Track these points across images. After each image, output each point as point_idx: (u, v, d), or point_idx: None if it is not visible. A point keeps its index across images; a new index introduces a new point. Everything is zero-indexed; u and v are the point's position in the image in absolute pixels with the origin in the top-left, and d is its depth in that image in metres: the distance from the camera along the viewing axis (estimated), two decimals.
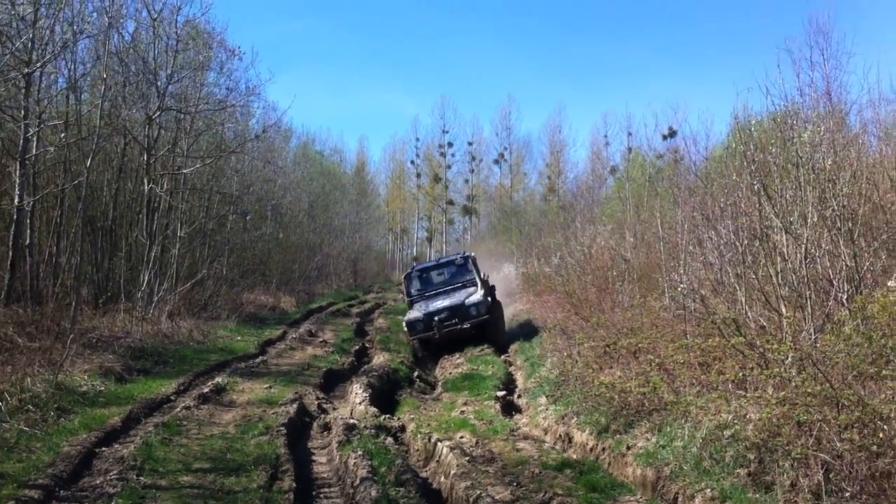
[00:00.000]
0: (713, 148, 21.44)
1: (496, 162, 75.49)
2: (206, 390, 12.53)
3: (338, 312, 30.31)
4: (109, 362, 13.63)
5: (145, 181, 21.27)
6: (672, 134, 47.97)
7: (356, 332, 24.60)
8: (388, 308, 32.36)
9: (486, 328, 20.01)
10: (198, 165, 23.66)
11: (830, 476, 6.59)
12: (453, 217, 76.30)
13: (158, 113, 21.54)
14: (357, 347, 20.52)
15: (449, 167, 76.25)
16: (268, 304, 28.71)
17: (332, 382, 15.53)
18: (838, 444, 6.62)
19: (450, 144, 75.70)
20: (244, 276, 30.05)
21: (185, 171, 23.21)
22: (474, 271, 21.35)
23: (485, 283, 21.15)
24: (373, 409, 12.19)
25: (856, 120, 14.78)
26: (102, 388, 12.06)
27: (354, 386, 14.18)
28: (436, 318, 19.65)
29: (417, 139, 77.49)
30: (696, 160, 17.99)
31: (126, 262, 20.74)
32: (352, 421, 10.71)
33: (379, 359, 18.05)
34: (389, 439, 9.86)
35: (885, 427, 6.33)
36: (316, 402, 12.82)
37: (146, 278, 19.81)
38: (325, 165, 57.94)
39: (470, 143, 75.77)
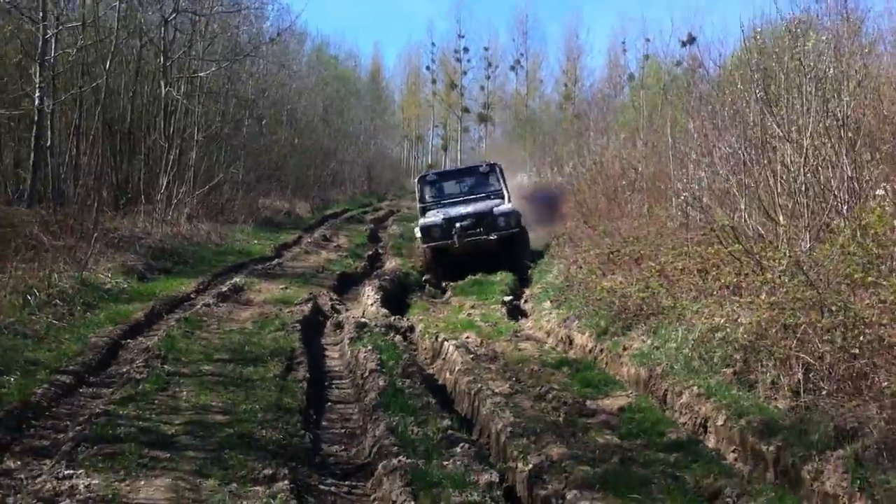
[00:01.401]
0: (728, 56, 21.37)
1: (512, 68, 74.70)
2: (224, 289, 13.03)
3: (352, 219, 30.77)
4: (131, 261, 14.14)
5: (162, 84, 21.44)
6: (691, 41, 47.18)
7: (370, 237, 25.06)
8: (402, 215, 32.74)
9: (514, 245, 17.44)
10: (213, 69, 23.76)
11: (810, 375, 6.98)
12: (468, 125, 75.88)
13: (174, 15, 21.58)
14: (370, 252, 20.96)
15: (465, 73, 75.54)
16: (283, 210, 29.14)
17: (346, 285, 16.02)
18: (820, 346, 6.99)
19: (465, 50, 74.79)
20: (260, 181, 30.39)
21: (200, 74, 23.32)
22: (501, 183, 18.87)
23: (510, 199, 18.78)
24: (384, 311, 12.68)
25: (872, 28, 14.70)
26: (125, 286, 12.57)
27: (367, 288, 14.67)
28: (457, 225, 17.04)
29: (433, 44, 76.55)
30: (710, 69, 17.95)
31: (144, 164, 21.07)
32: (363, 320, 11.19)
33: (391, 264, 18.53)
34: (398, 337, 10.34)
35: (868, 330, 6.66)
36: (329, 303, 13.32)
37: (165, 181, 20.21)
38: (340, 70, 57.59)
39: (486, 49, 74.82)
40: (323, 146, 42.76)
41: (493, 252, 17.06)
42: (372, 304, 13.18)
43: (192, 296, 12.96)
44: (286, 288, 14.01)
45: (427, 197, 19.19)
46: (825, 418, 6.20)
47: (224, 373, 8.01)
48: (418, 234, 17.97)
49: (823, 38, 10.10)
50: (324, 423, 7.30)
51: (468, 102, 75.39)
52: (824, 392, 6.67)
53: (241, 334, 10.08)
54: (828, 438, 5.91)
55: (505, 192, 18.55)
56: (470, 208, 17.70)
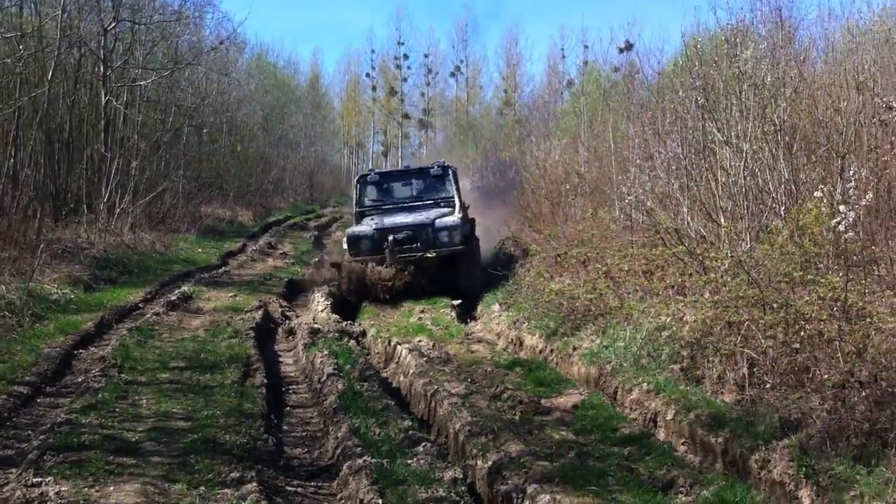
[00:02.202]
0: (667, 63, 21.88)
1: (452, 75, 74.99)
2: (173, 298, 12.99)
3: (295, 226, 30.72)
4: (77, 272, 14.00)
5: (102, 93, 21.20)
6: (629, 47, 47.95)
7: (315, 244, 25.11)
8: (345, 221, 32.61)
9: (459, 265, 14.62)
10: (153, 77, 23.58)
11: (754, 370, 7.29)
12: (409, 131, 76.08)
13: (114, 24, 21.36)
14: (316, 259, 20.95)
15: (405, 80, 75.64)
16: (226, 218, 28.98)
17: (294, 292, 16.05)
18: (763, 342, 7.31)
19: (405, 57, 74.90)
20: (202, 189, 30.14)
21: (140, 83, 23.12)
22: (454, 188, 15.94)
23: (464, 207, 16.09)
24: (335, 316, 12.77)
25: (805, 36, 15.23)
26: (73, 297, 12.47)
27: (316, 295, 14.72)
28: (390, 238, 14.12)
29: (373, 51, 76.46)
30: (649, 75, 18.36)
31: (85, 175, 20.79)
32: (316, 326, 11.28)
33: None
34: (352, 342, 10.45)
35: (807, 326, 6.97)
36: (280, 310, 13.37)
37: (108, 191, 19.97)
38: (280, 78, 57.29)
39: (426, 56, 75.05)
40: (264, 154, 42.54)
41: (432, 273, 14.36)
42: (322, 310, 13.25)
43: (141, 305, 12.89)
44: (235, 296, 14.01)
45: (366, 200, 16.27)
46: (770, 410, 6.49)
47: (182, 380, 8.05)
48: (345, 245, 15.05)
49: (762, 46, 10.45)
50: (285, 427, 7.41)
51: (409, 109, 75.55)
52: (768, 385, 6.97)
53: (194, 342, 10.10)
54: (773, 429, 6.19)
55: (457, 200, 15.63)
56: (409, 218, 14.85)
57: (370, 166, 75.00)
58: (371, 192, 16.44)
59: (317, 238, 26.80)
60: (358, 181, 16.70)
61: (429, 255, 14.14)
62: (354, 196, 16.50)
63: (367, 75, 77.07)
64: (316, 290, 15.24)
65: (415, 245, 14.21)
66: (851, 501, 5.06)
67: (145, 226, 21.06)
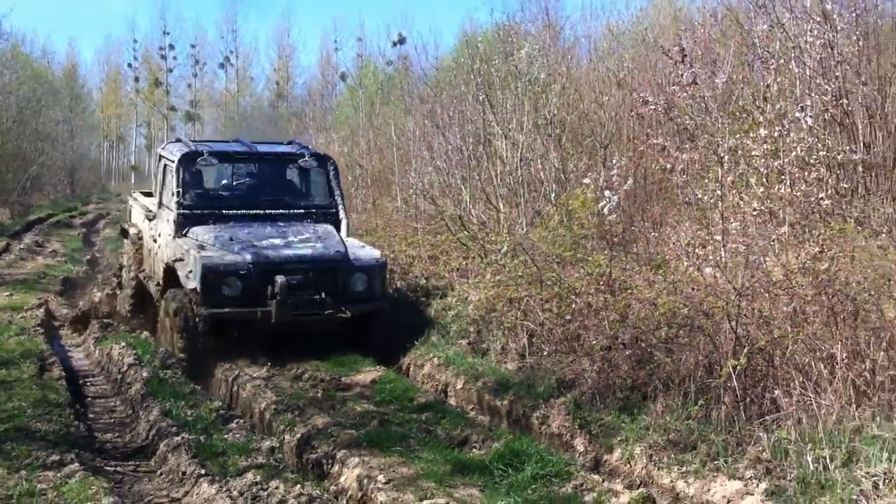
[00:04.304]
0: (442, 58, 22.83)
1: (221, 66, 73.09)
2: None
3: (60, 223, 29.28)
4: None
5: None
6: (402, 41, 49.19)
7: (84, 241, 24.09)
8: (113, 218, 31.48)
9: (376, 326, 9.14)
10: None
11: (533, 340, 8.07)
12: (175, 124, 73.23)
13: None
14: (88, 257, 20.09)
15: (170, 71, 72.73)
16: None
17: (72, 289, 15.44)
18: (541, 315, 8.09)
19: (171, 47, 71.92)
20: None
21: None
22: (337, 191, 10.19)
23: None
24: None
25: (570, 34, 16.52)
26: None
27: (95, 291, 14.24)
28: (279, 280, 8.42)
29: (135, 41, 72.70)
30: (425, 69, 19.09)
31: None
32: (106, 320, 11.00)
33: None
34: (146, 333, 10.32)
35: (578, 299, 7.80)
36: (60, 307, 12.89)
37: None
38: (35, 68, 53.85)
39: (193, 46, 72.44)
40: (21, 149, 39.95)
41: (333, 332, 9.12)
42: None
43: None
44: (11, 295, 13.30)
45: (189, 198, 9.47)
46: (548, 374, 7.24)
47: None
48: (189, 279, 8.63)
49: (537, 46, 11.33)
50: (91, 416, 7.33)
51: (175, 101, 72.70)
52: (546, 352, 7.75)
53: None
54: (551, 390, 6.95)
55: (341, 210, 10.12)
56: (305, 248, 9.05)
57: (133, 161, 71.95)
58: (198, 180, 9.90)
59: (85, 236, 25.64)
60: (179, 163, 9.51)
61: (342, 314, 8.72)
62: (171, 186, 9.61)
63: (130, 66, 73.41)
64: (93, 287, 14.72)
65: (318, 297, 8.67)
66: (619, 445, 5.84)
67: None
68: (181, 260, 8.86)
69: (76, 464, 5.26)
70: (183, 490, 5.28)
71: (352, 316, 8.77)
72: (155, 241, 10.12)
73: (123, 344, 9.06)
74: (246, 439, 5.97)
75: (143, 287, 10.57)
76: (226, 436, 6.07)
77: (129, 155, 75.77)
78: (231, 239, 8.95)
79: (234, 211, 9.65)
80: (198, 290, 8.48)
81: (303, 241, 9.18)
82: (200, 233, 9.13)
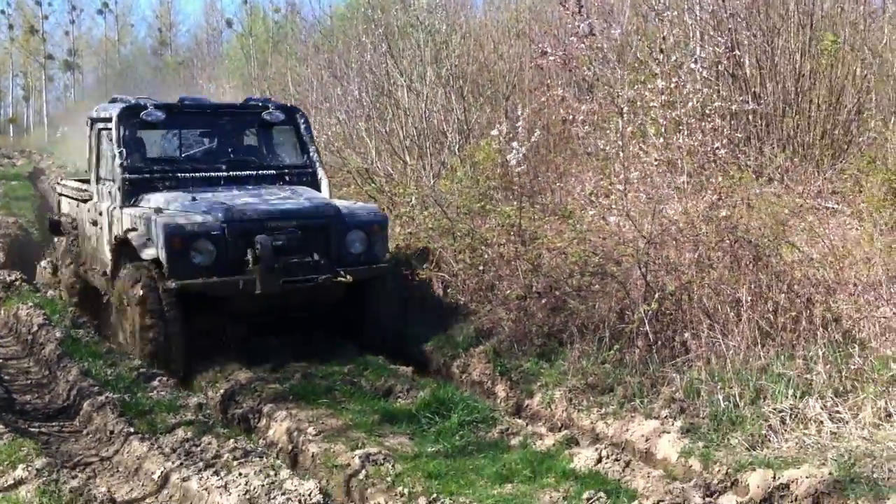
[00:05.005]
0: (334, 6, 22.53)
1: (100, 12, 69.76)
2: None
3: None
4: None
5: None
6: None
7: None
8: None
9: (379, 296, 7.76)
10: None
11: (448, 290, 8.27)
12: (53, 73, 70.15)
13: None
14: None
15: (46, 18, 69.42)
16: None
17: None
18: (454, 265, 8.29)
19: None
20: None
21: None
22: (311, 147, 8.91)
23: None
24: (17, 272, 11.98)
25: None
26: None
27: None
28: (260, 241, 6.99)
29: None
30: (318, 17, 18.80)
31: None
32: (10, 278, 10.61)
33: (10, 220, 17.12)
34: (52, 292, 10.05)
35: (488, 250, 8.02)
36: None
37: None
38: None
39: None
40: None
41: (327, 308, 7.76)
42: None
43: None
44: None
45: (135, 159, 8.01)
46: (466, 323, 7.48)
47: None
48: (147, 248, 7.11)
49: None
50: (6, 378, 7.18)
51: (52, 49, 69.45)
52: (461, 302, 7.97)
53: None
54: (470, 339, 7.20)
55: (319, 168, 8.87)
56: (288, 203, 7.66)
57: (10, 113, 68.75)
58: (148, 145, 8.59)
59: None
60: (119, 120, 8.05)
61: (342, 277, 7.20)
62: (110, 151, 8.13)
63: (3, 12, 69.69)
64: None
65: (309, 258, 7.22)
66: (538, 390, 6.12)
67: None
68: (134, 230, 7.31)
69: (1, 426, 5.22)
70: (112, 448, 5.30)
71: (354, 281, 7.25)
72: (95, 223, 8.45)
73: (31, 304, 8.86)
74: (172, 396, 6.00)
75: (87, 286, 8.99)
76: (150, 394, 6.08)
77: (6, 107, 72.14)
78: (195, 199, 7.43)
79: (191, 174, 8.09)
80: (161, 259, 6.91)
81: (282, 199, 7.71)
82: (154, 199, 7.59)
